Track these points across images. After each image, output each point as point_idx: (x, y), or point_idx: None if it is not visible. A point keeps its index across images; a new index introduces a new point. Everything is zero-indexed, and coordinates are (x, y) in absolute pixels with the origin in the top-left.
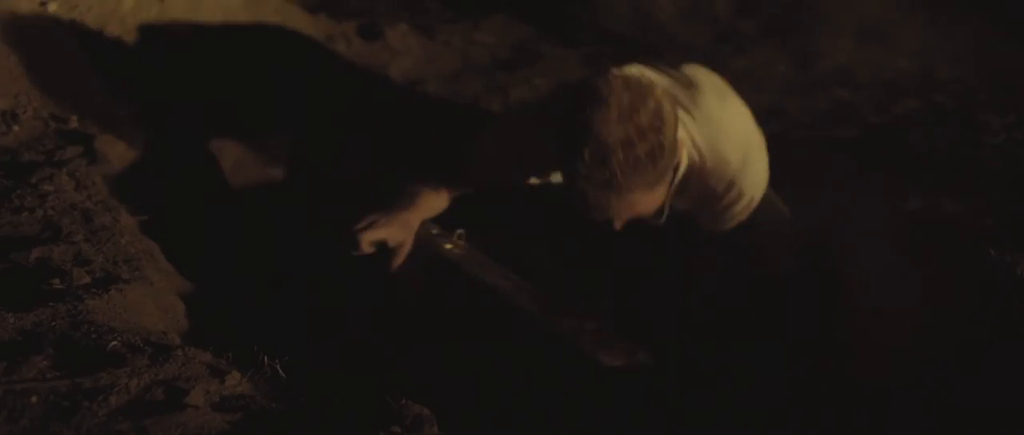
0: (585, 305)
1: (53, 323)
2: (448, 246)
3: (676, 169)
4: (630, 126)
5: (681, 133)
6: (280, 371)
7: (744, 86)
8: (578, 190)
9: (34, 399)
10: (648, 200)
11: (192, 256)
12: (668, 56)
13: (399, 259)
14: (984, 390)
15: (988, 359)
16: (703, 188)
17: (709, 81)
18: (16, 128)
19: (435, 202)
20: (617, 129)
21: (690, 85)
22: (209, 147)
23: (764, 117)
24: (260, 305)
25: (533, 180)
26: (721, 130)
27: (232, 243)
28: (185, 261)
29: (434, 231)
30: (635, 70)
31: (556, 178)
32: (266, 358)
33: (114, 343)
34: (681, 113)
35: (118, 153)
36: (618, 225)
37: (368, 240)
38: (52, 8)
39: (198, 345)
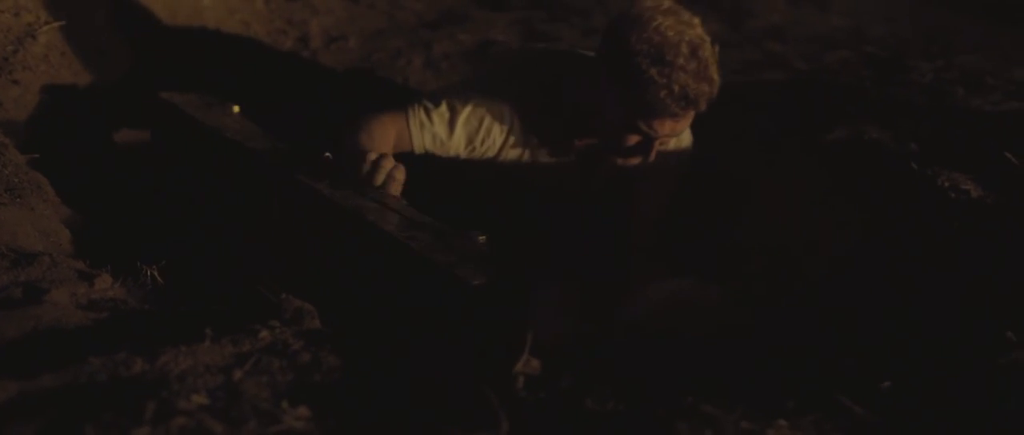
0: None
1: None
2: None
3: None
4: (696, 29)
5: None
6: (157, 276)
7: None
8: (675, 86)
9: None
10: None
11: (83, 194)
12: (598, 16)
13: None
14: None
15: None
16: None
17: None
18: None
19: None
20: (689, 31)
21: None
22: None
23: None
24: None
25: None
26: None
27: (124, 183)
28: (76, 198)
29: (297, 160)
30: None
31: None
32: (146, 269)
33: None
34: None
35: (12, 98)
36: (683, 130)
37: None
38: None
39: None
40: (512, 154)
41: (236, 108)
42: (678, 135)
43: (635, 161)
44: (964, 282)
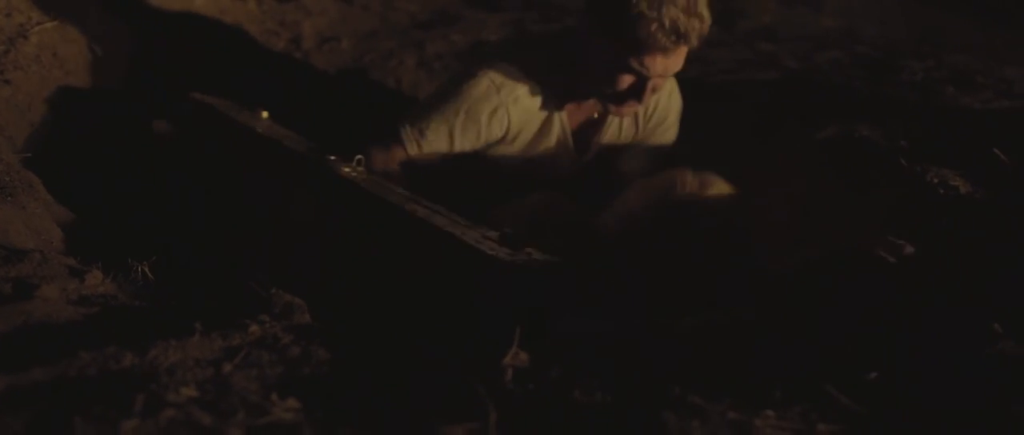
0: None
1: None
2: (346, 169)
3: None
4: None
5: None
6: (148, 272)
7: None
8: (666, 19)
9: None
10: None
11: (77, 193)
12: None
13: None
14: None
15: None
16: None
17: None
18: None
19: None
20: None
21: None
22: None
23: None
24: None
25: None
26: None
27: (119, 182)
28: (70, 197)
29: (331, 157)
30: None
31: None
32: (137, 265)
33: None
34: None
35: (3, 97)
36: (674, 69)
37: None
38: None
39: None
40: (516, 133)
41: (265, 113)
42: (669, 75)
43: (630, 107)
44: (952, 275)
